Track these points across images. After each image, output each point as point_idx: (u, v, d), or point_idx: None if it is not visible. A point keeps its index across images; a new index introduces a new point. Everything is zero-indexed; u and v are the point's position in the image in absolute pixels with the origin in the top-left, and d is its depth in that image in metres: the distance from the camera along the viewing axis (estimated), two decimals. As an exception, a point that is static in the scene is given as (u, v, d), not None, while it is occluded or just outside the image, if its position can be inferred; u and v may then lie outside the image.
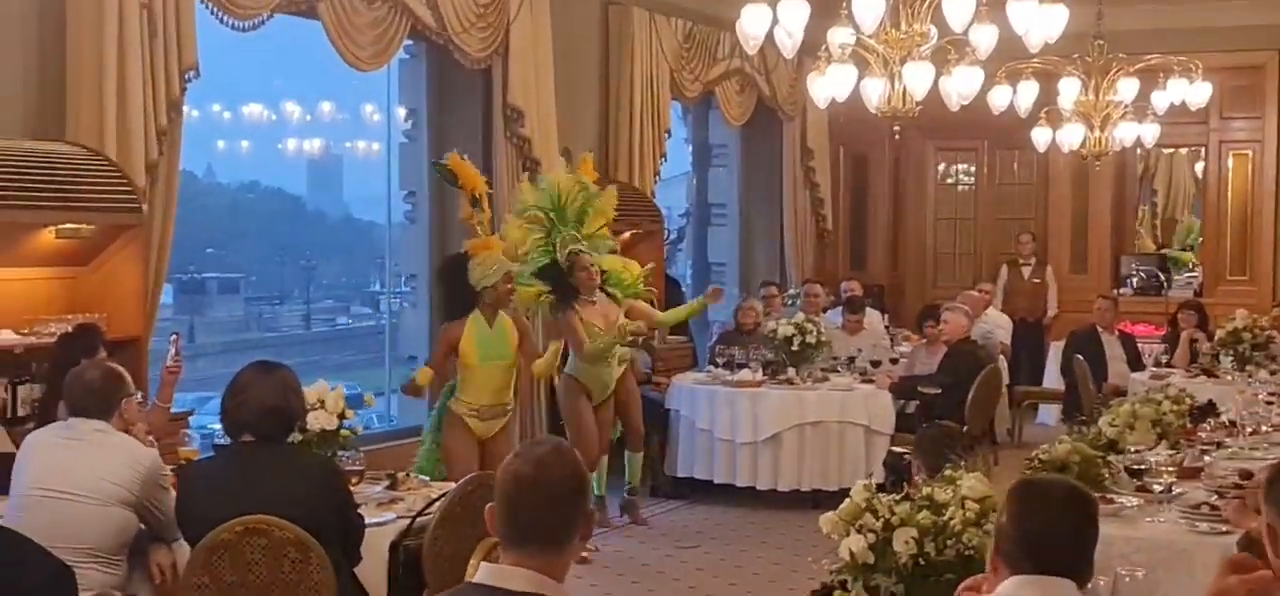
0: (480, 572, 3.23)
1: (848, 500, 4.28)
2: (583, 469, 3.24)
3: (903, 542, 4.11)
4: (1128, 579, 3.97)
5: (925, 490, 4.27)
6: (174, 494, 5.53)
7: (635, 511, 10.27)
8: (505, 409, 8.56)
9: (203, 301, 23.44)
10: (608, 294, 9.54)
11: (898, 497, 4.22)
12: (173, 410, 7.23)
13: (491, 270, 8.33)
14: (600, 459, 9.82)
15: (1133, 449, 6.55)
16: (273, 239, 27.71)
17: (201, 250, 23.05)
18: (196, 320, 21.80)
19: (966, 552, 4.10)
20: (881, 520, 4.16)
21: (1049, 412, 14.32)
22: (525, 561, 3.13)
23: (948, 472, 4.35)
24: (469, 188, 8.67)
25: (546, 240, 9.50)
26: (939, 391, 10.87)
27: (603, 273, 9.55)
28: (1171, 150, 16.98)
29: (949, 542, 4.11)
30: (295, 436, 5.98)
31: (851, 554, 4.15)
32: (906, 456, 6.13)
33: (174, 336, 7.39)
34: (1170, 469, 6.24)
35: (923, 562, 4.12)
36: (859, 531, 4.17)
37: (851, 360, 11.82)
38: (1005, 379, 12.86)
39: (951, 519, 4.13)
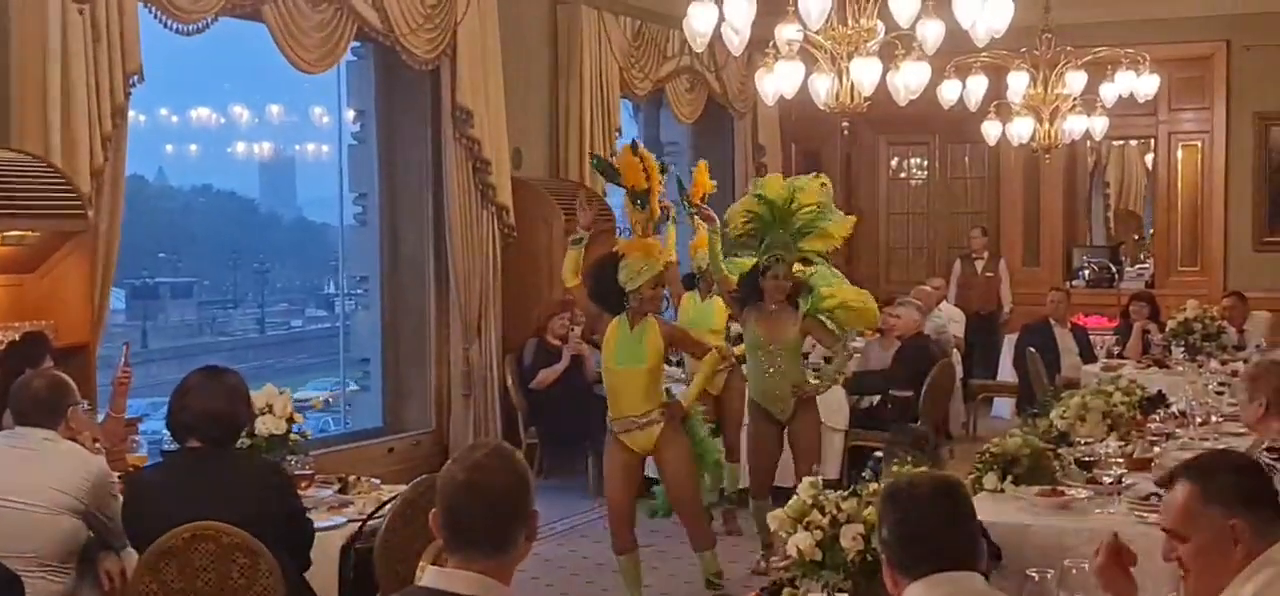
0: (426, 576, 3.24)
1: (795, 497, 4.28)
2: (525, 470, 3.24)
3: (850, 539, 4.12)
4: (1074, 572, 3.99)
5: (872, 486, 4.27)
6: (122, 500, 5.50)
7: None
8: (647, 419, 7.85)
9: (155, 306, 23.27)
10: (795, 305, 8.84)
11: (844, 494, 4.23)
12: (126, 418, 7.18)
13: (639, 273, 7.80)
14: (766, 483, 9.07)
15: (1083, 441, 6.58)
16: (226, 243, 27.54)
17: (153, 255, 22.88)
18: (149, 325, 21.65)
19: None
20: (829, 517, 4.16)
21: (1004, 406, 14.36)
22: (469, 564, 3.13)
23: (895, 467, 4.36)
24: (630, 184, 8.28)
25: (757, 237, 8.96)
26: (881, 396, 10.92)
27: (805, 285, 8.90)
28: (1122, 142, 17.08)
29: (896, 537, 4.11)
30: (244, 441, 5.97)
31: (799, 550, 4.15)
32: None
33: (124, 345, 7.35)
34: (1119, 460, 6.28)
35: (870, 559, 4.13)
36: (806, 528, 4.18)
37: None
38: (959, 373, 12.91)
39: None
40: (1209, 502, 3.52)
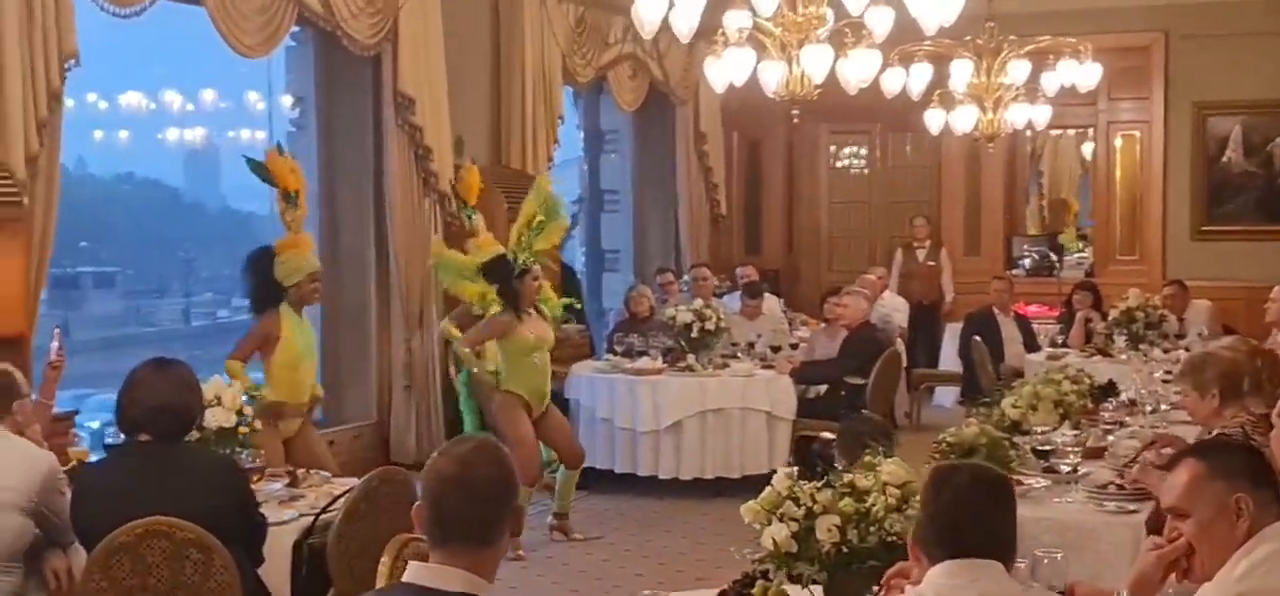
0: (410, 572, 3.22)
1: (769, 488, 4.21)
2: (510, 465, 3.25)
3: (825, 530, 4.05)
4: (1046, 561, 3.97)
5: (847, 477, 4.20)
6: (70, 496, 5.34)
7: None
8: (305, 408, 8.27)
9: (77, 296, 22.89)
10: (538, 310, 9.31)
11: (819, 485, 4.16)
12: (56, 408, 6.99)
13: (297, 269, 8.23)
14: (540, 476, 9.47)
15: (1037, 430, 6.58)
16: (150, 231, 27.14)
17: (75, 244, 22.49)
18: (71, 316, 21.29)
19: (889, 538, 4.05)
20: (803, 508, 4.10)
21: (946, 395, 14.42)
22: (453, 560, 3.13)
23: (867, 459, 4.29)
24: (282, 185, 8.56)
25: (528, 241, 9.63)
26: (829, 386, 10.92)
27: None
28: (1059, 132, 17.16)
29: (872, 529, 4.06)
30: (193, 435, 5.83)
31: (775, 543, 4.08)
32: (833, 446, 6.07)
33: (56, 330, 7.18)
34: (1075, 449, 6.28)
35: (846, 550, 4.07)
36: (780, 520, 4.11)
37: (751, 345, 11.76)
38: (903, 362, 12.91)
39: (874, 505, 4.08)
40: (1214, 478, 3.56)
